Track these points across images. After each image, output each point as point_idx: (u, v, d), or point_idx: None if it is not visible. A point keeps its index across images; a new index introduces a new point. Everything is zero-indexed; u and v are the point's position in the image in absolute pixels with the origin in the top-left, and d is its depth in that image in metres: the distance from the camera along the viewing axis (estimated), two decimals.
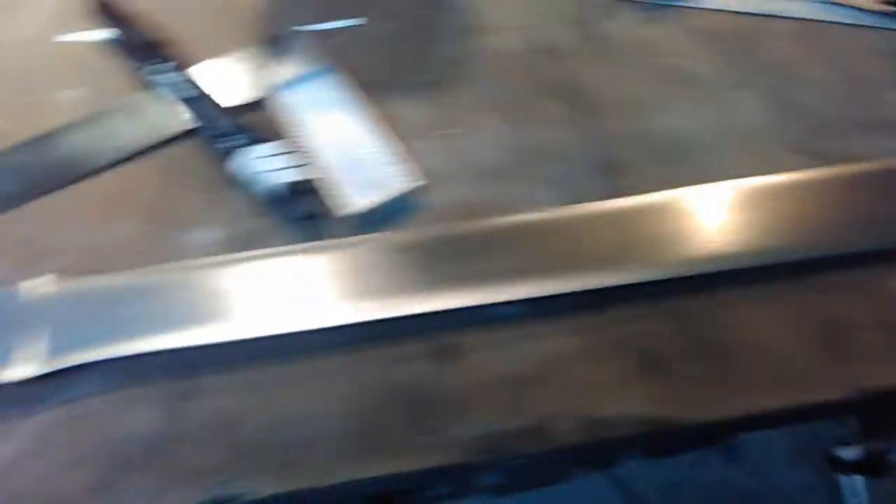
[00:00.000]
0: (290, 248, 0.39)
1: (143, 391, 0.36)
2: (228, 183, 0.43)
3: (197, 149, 0.44)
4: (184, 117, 0.44)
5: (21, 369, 0.35)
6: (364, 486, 0.34)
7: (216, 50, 0.48)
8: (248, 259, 0.39)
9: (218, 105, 0.43)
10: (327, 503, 0.35)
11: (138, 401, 0.36)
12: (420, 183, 0.42)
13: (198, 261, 0.39)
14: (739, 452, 0.88)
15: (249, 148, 0.41)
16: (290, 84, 0.46)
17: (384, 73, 0.48)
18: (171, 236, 0.41)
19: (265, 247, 0.40)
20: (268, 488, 0.33)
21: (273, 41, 0.48)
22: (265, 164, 0.41)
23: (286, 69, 0.46)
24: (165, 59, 0.45)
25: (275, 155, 0.41)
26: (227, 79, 0.46)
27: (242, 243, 0.41)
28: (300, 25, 0.50)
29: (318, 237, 0.40)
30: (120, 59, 0.49)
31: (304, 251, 0.39)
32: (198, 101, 0.44)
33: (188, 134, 0.45)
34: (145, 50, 0.46)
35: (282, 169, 0.40)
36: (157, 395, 0.36)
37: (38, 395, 0.35)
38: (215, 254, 0.40)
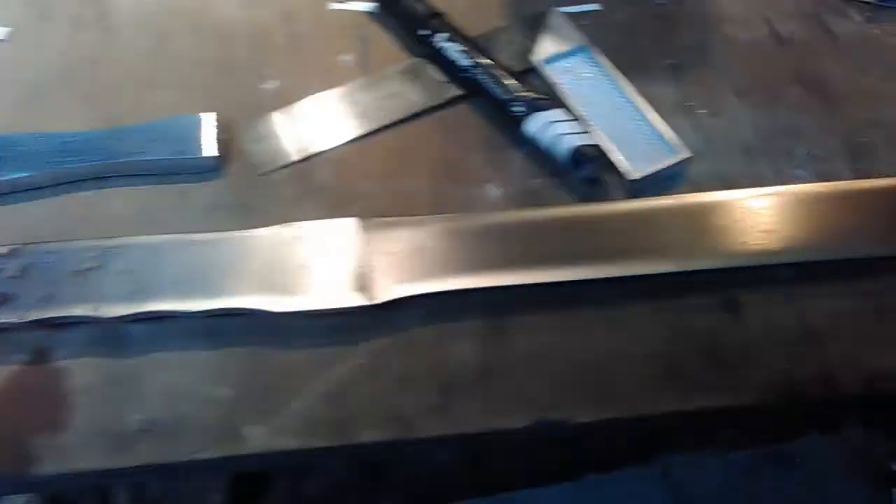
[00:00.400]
0: (580, 206, 0.43)
1: (460, 325, 0.40)
2: (506, 144, 0.47)
3: (469, 113, 0.49)
4: (455, 84, 0.49)
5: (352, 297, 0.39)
6: (666, 419, 0.38)
7: (478, 26, 0.52)
8: (540, 213, 0.43)
9: (499, 73, 0.47)
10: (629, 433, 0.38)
11: (457, 333, 0.40)
12: (687, 155, 0.45)
13: (494, 214, 0.43)
14: (795, 462, 0.90)
15: (535, 113, 0.45)
16: (552, 59, 0.49)
17: (627, 56, 0.51)
18: (456, 191, 0.45)
19: (545, 205, 0.44)
20: (587, 415, 0.37)
21: (532, 19, 0.52)
22: (553, 129, 0.44)
23: (548, 45, 0.50)
24: (438, 30, 0.49)
25: (560, 121, 0.45)
26: (495, 51, 0.49)
27: (523, 200, 0.45)
28: (548, 7, 0.54)
29: (598, 199, 0.44)
30: (390, 28, 0.53)
31: (591, 209, 0.43)
32: (475, 68, 0.48)
33: (459, 99, 0.49)
34: (418, 20, 0.50)
35: (568, 134, 0.44)
36: (474, 330, 0.40)
37: (366, 324, 0.40)
38: (499, 209, 0.44)
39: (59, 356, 0.39)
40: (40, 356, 0.39)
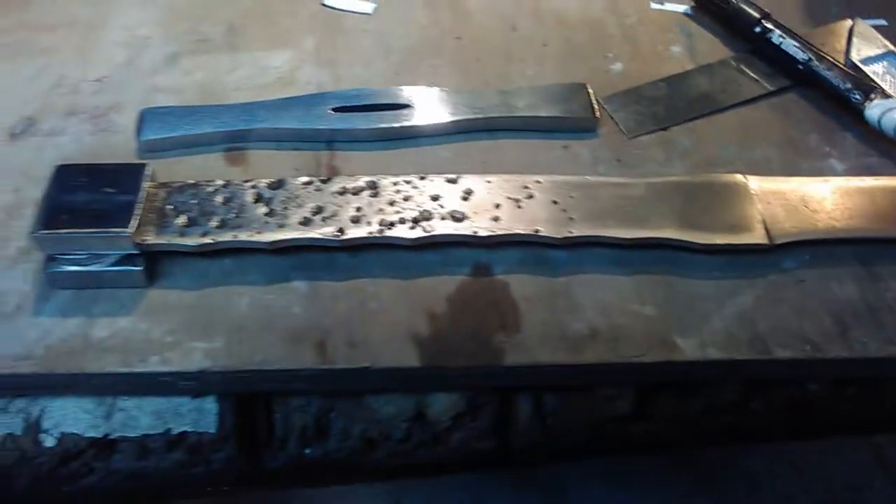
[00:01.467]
0: None
1: (841, 269, 0.45)
2: (839, 127, 0.53)
3: (798, 100, 0.55)
4: (783, 75, 0.55)
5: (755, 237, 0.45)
6: None
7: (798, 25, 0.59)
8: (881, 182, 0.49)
9: (834, 66, 0.53)
10: None
11: (839, 276, 0.45)
12: None
13: (844, 179, 0.49)
14: None
15: (873, 101, 0.51)
16: (867, 60, 0.56)
17: None
18: (803, 162, 0.51)
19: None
20: None
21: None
22: (892, 114, 0.50)
23: (861, 48, 0.56)
24: (767, 28, 0.56)
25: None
26: (820, 48, 0.56)
27: (864, 173, 0.50)
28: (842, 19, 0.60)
29: None
30: (706, 25, 0.60)
31: None
32: (810, 62, 0.54)
33: (787, 89, 0.55)
34: (750, 19, 0.57)
35: None
36: (855, 274, 0.45)
37: (760, 262, 0.45)
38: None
39: (497, 272, 0.44)
40: (481, 270, 0.44)
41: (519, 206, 0.45)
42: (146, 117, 0.50)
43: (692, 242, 0.44)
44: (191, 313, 0.42)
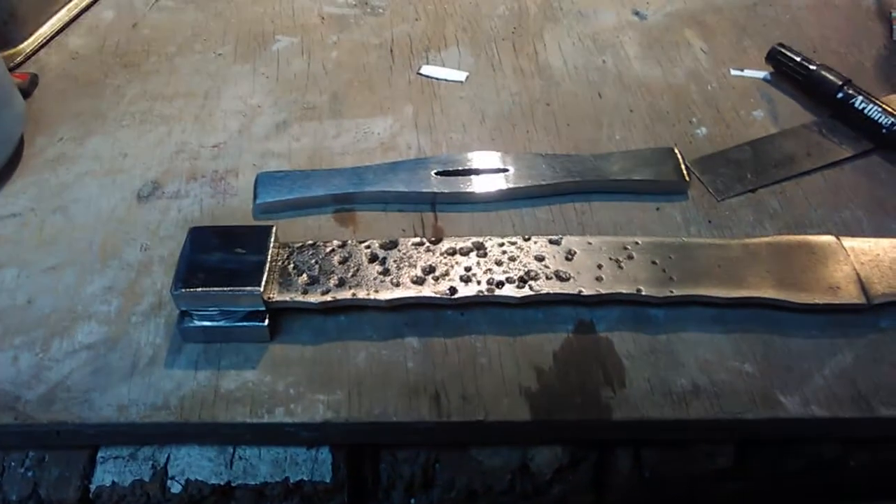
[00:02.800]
0: None
1: None
2: None
3: (882, 162, 0.56)
4: (866, 138, 0.57)
5: (852, 297, 0.46)
6: None
7: (875, 89, 0.60)
8: None
9: None
10: None
11: None
12: None
13: None
14: None
15: None
16: None
17: None
18: (892, 223, 0.52)
19: None
20: None
21: None
22: None
23: None
24: (850, 94, 0.58)
25: None
26: None
27: None
28: None
29: None
30: (785, 91, 0.62)
31: None
32: (893, 126, 0.56)
33: (869, 151, 0.57)
34: (832, 85, 0.59)
35: None
36: None
37: (856, 321, 0.46)
38: None
39: (600, 329, 0.46)
40: (585, 328, 0.46)
41: (620, 267, 0.47)
42: (262, 181, 0.53)
43: (789, 302, 0.46)
44: (311, 367, 0.44)
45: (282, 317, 0.46)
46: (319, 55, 0.66)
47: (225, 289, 0.43)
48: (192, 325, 0.45)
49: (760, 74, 0.64)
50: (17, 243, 0.51)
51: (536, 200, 0.53)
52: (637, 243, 0.48)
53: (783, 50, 0.63)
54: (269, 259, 0.45)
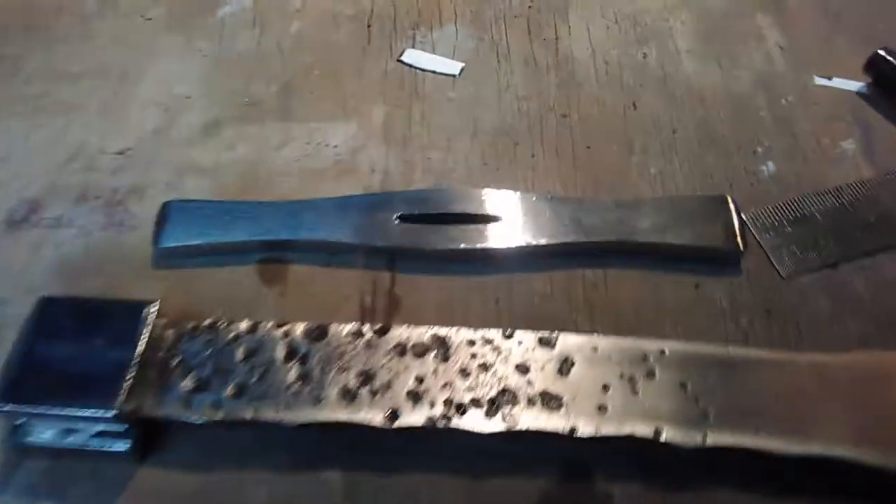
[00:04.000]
0: None
1: None
2: None
3: None
4: None
5: None
6: None
7: None
8: None
9: None
10: None
11: None
12: None
13: None
14: None
15: None
16: None
17: None
18: None
19: None
20: None
21: None
22: None
23: None
24: None
25: None
26: None
27: None
28: None
29: None
30: (888, 111, 0.46)
31: None
32: None
33: None
34: None
35: None
36: None
37: None
38: None
39: (598, 475, 0.33)
40: (576, 472, 0.33)
41: (635, 391, 0.33)
42: (170, 213, 0.40)
43: (883, 468, 0.32)
44: None
45: (160, 424, 0.34)
46: (276, 27, 0.51)
47: (66, 408, 0.31)
48: (27, 441, 0.32)
49: (855, 86, 0.48)
50: None
51: (535, 263, 0.39)
52: (663, 353, 0.34)
53: (889, 57, 0.46)
54: (139, 353, 0.32)
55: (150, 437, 0.33)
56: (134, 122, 0.45)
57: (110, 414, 0.30)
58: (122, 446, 0.32)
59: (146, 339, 0.33)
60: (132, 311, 0.33)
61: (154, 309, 0.33)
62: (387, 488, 0.33)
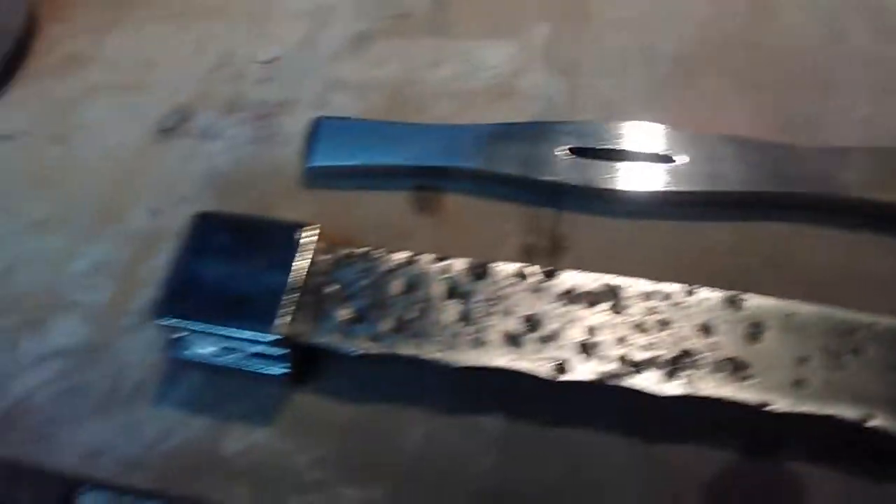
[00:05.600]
0: None
1: None
2: None
3: None
4: None
5: None
6: None
7: None
8: None
9: None
10: None
11: None
12: None
13: None
14: None
15: None
16: None
17: None
18: None
19: None
20: None
21: None
22: None
23: None
24: None
25: None
26: None
27: None
28: None
29: None
30: None
31: None
32: None
33: None
34: None
35: None
36: None
37: None
38: None
39: (788, 456, 0.30)
40: (763, 448, 0.30)
41: (839, 367, 0.29)
42: (321, 131, 0.38)
43: None
44: (346, 438, 0.31)
45: (314, 351, 0.32)
46: None
47: (225, 328, 0.29)
48: (185, 354, 0.32)
49: None
50: (5, 179, 0.39)
51: (714, 211, 0.35)
52: (874, 328, 0.30)
53: None
54: (299, 278, 0.30)
55: (306, 363, 0.32)
56: (280, 31, 0.43)
57: (270, 338, 0.29)
58: (277, 370, 0.31)
59: (306, 264, 0.31)
60: (289, 232, 0.31)
61: (314, 233, 0.32)
62: (546, 443, 0.30)
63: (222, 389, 0.32)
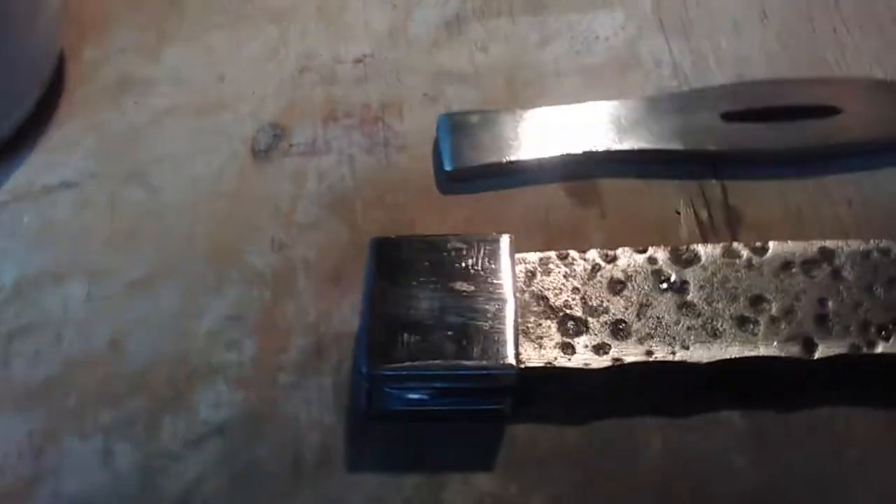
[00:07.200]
0: None
1: None
2: None
3: None
4: None
5: None
6: None
7: None
8: None
9: None
10: None
11: None
12: None
13: None
14: None
15: None
16: None
17: None
18: None
19: None
20: None
21: None
22: None
23: None
24: None
25: None
26: None
27: None
28: None
29: None
30: None
31: None
32: None
33: None
34: None
35: None
36: None
37: None
38: None
39: None
40: None
41: None
42: (449, 129, 0.34)
43: None
44: (577, 468, 0.28)
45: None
46: None
47: (455, 365, 0.26)
48: (385, 404, 0.28)
49: None
50: (77, 235, 0.33)
51: (889, 158, 0.34)
52: None
53: None
54: (517, 303, 0.27)
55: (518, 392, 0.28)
56: (361, 25, 0.39)
57: (512, 371, 0.25)
58: (489, 405, 0.28)
59: (512, 279, 0.27)
60: (482, 247, 0.28)
61: (509, 244, 0.28)
62: (793, 424, 0.28)
63: (427, 438, 0.28)
